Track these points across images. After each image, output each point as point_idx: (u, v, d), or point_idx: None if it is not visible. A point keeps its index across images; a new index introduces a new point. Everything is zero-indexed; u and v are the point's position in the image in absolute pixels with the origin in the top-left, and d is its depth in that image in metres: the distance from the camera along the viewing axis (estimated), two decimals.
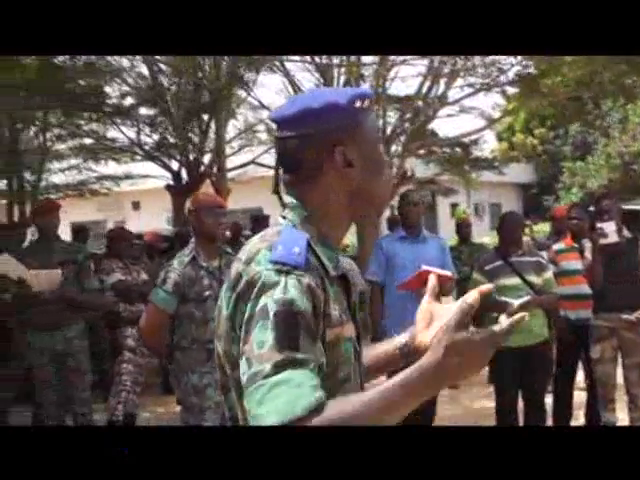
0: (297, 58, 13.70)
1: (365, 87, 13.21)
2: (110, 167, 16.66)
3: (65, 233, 8.54)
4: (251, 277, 1.61)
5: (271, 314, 1.55)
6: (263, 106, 16.36)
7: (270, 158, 15.31)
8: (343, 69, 14.66)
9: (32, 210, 7.00)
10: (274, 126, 1.82)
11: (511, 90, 15.97)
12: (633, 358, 5.81)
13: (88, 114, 13.92)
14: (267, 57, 11.79)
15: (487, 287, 1.61)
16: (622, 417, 5.98)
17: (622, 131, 27.22)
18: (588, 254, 5.89)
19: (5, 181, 13.40)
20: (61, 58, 10.40)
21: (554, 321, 6.31)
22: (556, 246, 6.55)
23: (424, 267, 5.49)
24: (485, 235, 20.98)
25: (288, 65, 14.76)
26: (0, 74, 9.50)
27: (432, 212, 26.00)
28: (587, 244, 5.93)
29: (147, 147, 15.12)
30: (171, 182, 14.53)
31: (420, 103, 15.22)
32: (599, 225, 5.76)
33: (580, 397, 6.49)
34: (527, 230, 9.77)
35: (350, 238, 14.39)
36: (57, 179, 14.78)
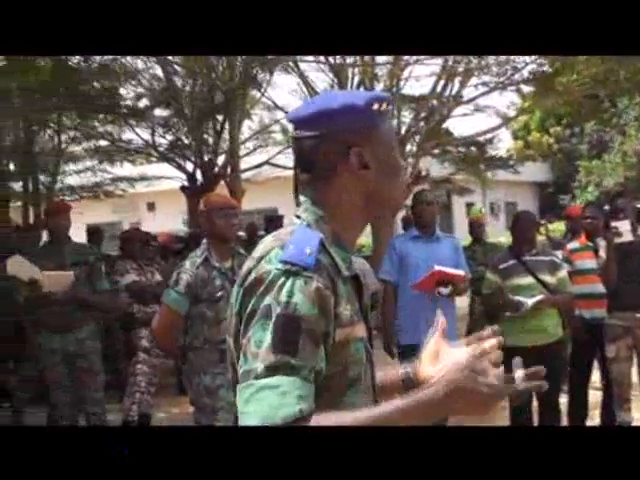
0: (311, 58, 13.72)
1: (380, 90, 13.24)
2: (125, 169, 16.70)
3: (80, 235, 8.56)
4: (260, 274, 1.63)
5: (273, 316, 1.56)
6: (277, 106, 16.42)
7: (285, 159, 15.33)
8: (357, 69, 14.68)
9: (44, 212, 7.02)
10: (289, 126, 1.85)
11: (526, 89, 15.93)
12: None
13: (103, 116, 13.98)
14: (281, 57, 11.79)
15: (498, 340, 1.69)
16: (638, 417, 5.94)
17: (638, 129, 27.07)
18: (603, 253, 5.87)
19: (20, 183, 13.41)
20: (75, 60, 10.45)
21: (569, 320, 6.28)
22: (570, 245, 6.52)
23: (437, 267, 5.51)
24: (501, 234, 20.89)
25: (302, 65, 14.83)
26: (15, 76, 9.56)
27: (447, 212, 25.93)
28: (602, 243, 5.90)
29: (162, 148, 15.16)
30: (186, 183, 14.54)
31: (435, 102, 15.21)
32: (614, 224, 5.74)
33: (596, 397, 6.45)
34: (543, 229, 9.71)
35: (365, 238, 14.39)
36: (72, 181, 14.79)
